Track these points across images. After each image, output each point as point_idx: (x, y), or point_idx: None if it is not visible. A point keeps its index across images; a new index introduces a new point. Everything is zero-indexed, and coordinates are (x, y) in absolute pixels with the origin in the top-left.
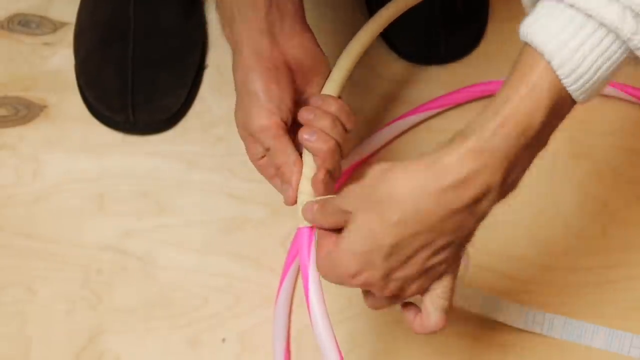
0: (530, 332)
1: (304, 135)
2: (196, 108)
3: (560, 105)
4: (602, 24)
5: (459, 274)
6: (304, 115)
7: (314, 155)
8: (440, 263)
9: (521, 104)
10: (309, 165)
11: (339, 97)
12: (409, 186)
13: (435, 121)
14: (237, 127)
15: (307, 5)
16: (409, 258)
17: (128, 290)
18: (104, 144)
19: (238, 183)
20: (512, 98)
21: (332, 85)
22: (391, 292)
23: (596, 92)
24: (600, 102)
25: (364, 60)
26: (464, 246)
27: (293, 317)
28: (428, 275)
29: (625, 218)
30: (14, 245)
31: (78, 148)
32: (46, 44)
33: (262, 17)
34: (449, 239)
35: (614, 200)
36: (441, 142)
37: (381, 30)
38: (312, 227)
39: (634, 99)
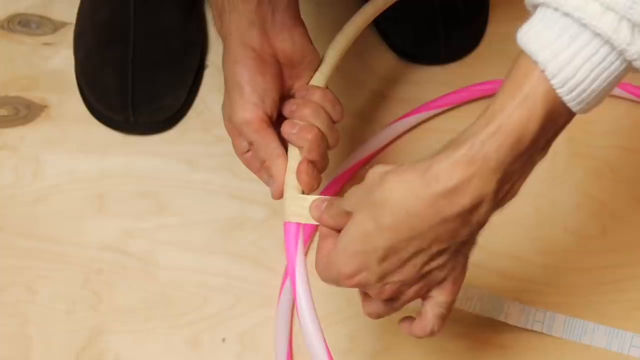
0: (530, 333)
1: (285, 126)
2: (196, 108)
3: (556, 115)
4: (596, 34)
5: None
6: (286, 107)
7: (297, 146)
8: (437, 269)
9: (514, 112)
10: (295, 158)
11: (326, 88)
12: (402, 192)
13: (435, 121)
14: (224, 120)
15: (307, 4)
16: (405, 262)
17: (128, 290)
18: (104, 144)
19: (238, 183)
20: (505, 106)
21: (318, 77)
22: (388, 295)
23: (596, 102)
24: None
25: (364, 60)
26: (463, 254)
27: (295, 316)
28: (426, 281)
29: (624, 218)
30: (14, 245)
31: (78, 148)
32: (46, 44)
33: (252, 9)
34: (444, 246)
35: (614, 200)
36: (437, 148)
37: (369, 22)
38: (298, 223)
39: (634, 97)
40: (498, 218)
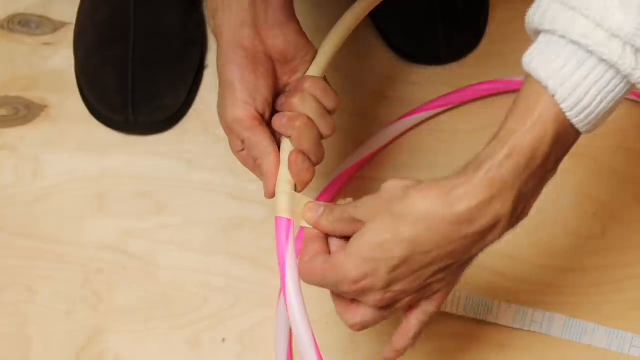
0: (529, 332)
1: (275, 119)
2: (196, 108)
3: (565, 136)
4: (602, 60)
5: None
6: (278, 101)
7: (286, 136)
8: (438, 282)
9: (527, 135)
10: (287, 152)
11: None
12: (425, 208)
13: (435, 121)
14: (219, 119)
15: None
16: (413, 272)
17: (128, 290)
18: (104, 144)
19: (238, 183)
20: (518, 129)
21: (313, 68)
22: (386, 303)
23: (601, 122)
24: None
25: (363, 60)
26: (463, 268)
27: None
28: (422, 292)
29: (624, 218)
30: (14, 245)
31: (78, 148)
32: (46, 44)
33: (245, 7)
34: (451, 262)
35: (614, 200)
36: (457, 169)
37: (369, 10)
38: (289, 219)
39: (634, 97)
40: None
